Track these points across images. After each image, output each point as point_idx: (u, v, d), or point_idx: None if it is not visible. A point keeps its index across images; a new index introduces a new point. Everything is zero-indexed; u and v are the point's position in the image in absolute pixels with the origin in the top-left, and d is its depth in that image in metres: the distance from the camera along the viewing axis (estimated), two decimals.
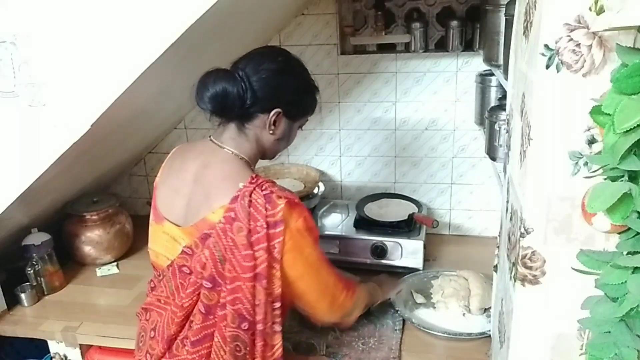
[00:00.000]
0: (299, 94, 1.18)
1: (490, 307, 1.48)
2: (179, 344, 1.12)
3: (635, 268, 0.69)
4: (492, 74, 1.55)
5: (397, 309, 1.49)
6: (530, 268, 0.82)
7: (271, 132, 1.15)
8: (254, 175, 1.08)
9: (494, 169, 1.40)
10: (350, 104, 1.92)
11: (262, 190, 1.05)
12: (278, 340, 1.10)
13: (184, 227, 1.13)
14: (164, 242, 1.17)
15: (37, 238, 1.68)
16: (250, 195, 1.04)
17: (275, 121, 1.14)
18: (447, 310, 1.49)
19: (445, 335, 1.39)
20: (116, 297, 1.69)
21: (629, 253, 0.71)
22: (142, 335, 1.21)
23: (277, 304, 1.08)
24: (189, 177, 1.14)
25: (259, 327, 1.07)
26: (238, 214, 1.04)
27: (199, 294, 1.09)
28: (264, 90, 1.11)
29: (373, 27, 1.84)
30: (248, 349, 1.07)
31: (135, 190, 2.24)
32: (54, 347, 1.58)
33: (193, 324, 1.10)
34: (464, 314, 1.47)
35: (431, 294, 1.56)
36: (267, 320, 1.07)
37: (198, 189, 1.12)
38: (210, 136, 1.18)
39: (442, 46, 1.82)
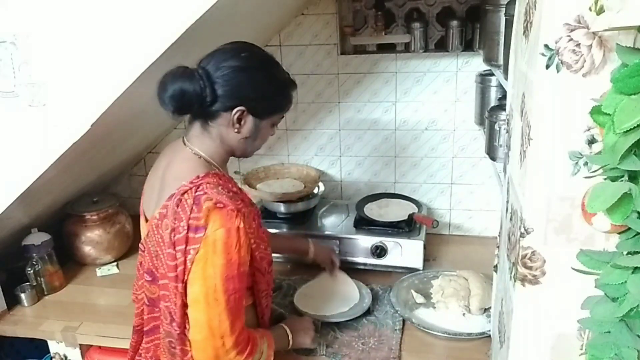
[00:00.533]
0: (265, 91, 1.12)
1: (490, 307, 1.48)
2: (144, 334, 1.16)
3: (635, 268, 0.69)
4: (492, 74, 1.55)
5: (397, 309, 1.49)
6: (530, 268, 0.82)
7: (236, 130, 1.11)
8: (201, 175, 1.06)
9: (494, 169, 1.40)
10: (350, 104, 1.92)
11: (196, 191, 1.03)
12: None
13: (147, 223, 1.15)
14: (143, 233, 1.19)
15: (37, 238, 1.68)
16: (182, 195, 1.03)
17: (239, 119, 1.10)
18: (447, 310, 1.49)
19: (445, 335, 1.39)
20: (116, 297, 1.69)
21: (629, 253, 0.71)
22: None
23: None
24: (159, 175, 1.16)
25: (178, 330, 1.05)
26: (168, 212, 1.03)
27: None
28: (225, 88, 1.06)
29: (373, 27, 1.84)
30: (180, 347, 1.06)
31: (135, 190, 2.24)
32: (54, 347, 1.58)
33: (144, 315, 1.14)
34: (464, 314, 1.47)
35: (431, 294, 1.56)
36: (182, 325, 1.05)
37: (160, 187, 1.13)
38: (184, 135, 1.18)
39: (442, 46, 1.82)
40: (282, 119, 1.21)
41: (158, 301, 1.10)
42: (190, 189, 1.03)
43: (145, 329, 1.14)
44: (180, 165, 1.11)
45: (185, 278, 1.02)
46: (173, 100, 1.04)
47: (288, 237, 1.74)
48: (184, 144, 1.14)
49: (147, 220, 1.16)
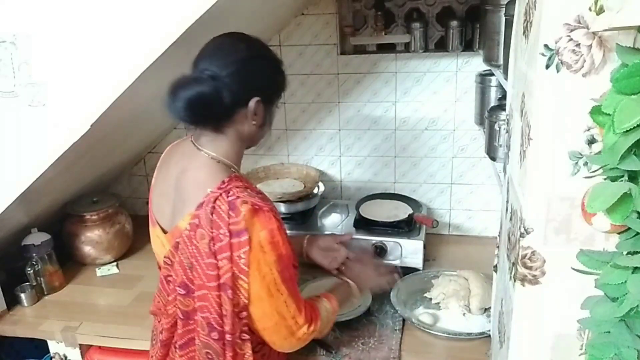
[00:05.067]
0: (271, 75, 1.12)
1: (490, 307, 1.48)
2: (173, 348, 1.13)
3: (635, 268, 0.69)
4: (492, 74, 1.55)
5: (397, 309, 1.49)
6: (530, 268, 0.82)
7: (254, 122, 1.09)
8: (226, 179, 1.04)
9: (494, 169, 1.40)
10: (350, 104, 1.92)
11: (227, 197, 1.00)
12: (248, 349, 1.07)
13: (167, 234, 1.12)
14: (159, 245, 1.16)
15: (37, 238, 1.68)
16: (214, 202, 1.00)
17: (255, 110, 1.08)
18: (447, 310, 1.49)
19: (445, 335, 1.39)
20: (116, 297, 1.69)
21: (629, 253, 0.71)
22: (154, 335, 1.23)
23: (244, 314, 1.05)
24: (171, 183, 1.12)
25: (228, 337, 1.04)
26: (201, 221, 1.00)
27: None
28: (238, 83, 1.04)
29: (373, 27, 1.84)
30: (221, 358, 1.06)
31: (135, 190, 2.24)
32: (54, 347, 1.58)
33: (178, 329, 1.11)
34: (464, 314, 1.47)
35: (429, 296, 1.55)
36: (235, 330, 1.04)
37: (177, 195, 1.10)
38: (192, 136, 1.14)
39: (442, 46, 1.82)
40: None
41: (193, 313, 1.07)
42: (221, 194, 1.01)
43: (179, 343, 1.11)
44: (199, 172, 1.07)
45: (240, 283, 1.01)
46: (191, 110, 1.01)
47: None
48: (198, 148, 1.10)
49: (163, 231, 1.13)
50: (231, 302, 1.02)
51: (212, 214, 1.00)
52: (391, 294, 1.55)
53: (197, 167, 1.08)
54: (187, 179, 1.09)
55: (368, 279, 1.41)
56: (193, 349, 1.10)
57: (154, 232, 1.18)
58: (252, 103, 1.06)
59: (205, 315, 1.04)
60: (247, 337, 1.06)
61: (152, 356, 1.21)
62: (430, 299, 1.55)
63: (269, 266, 1.03)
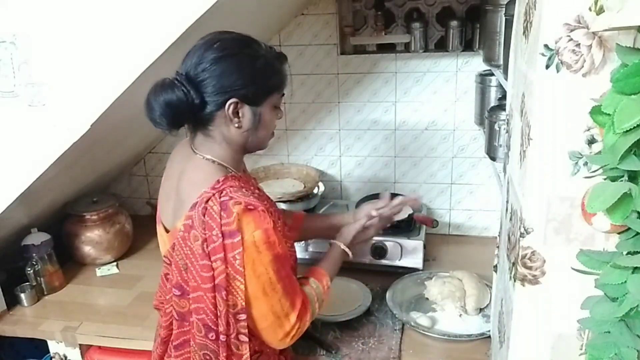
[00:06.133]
0: (251, 74, 1.03)
1: (485, 307, 1.48)
2: (170, 346, 1.13)
3: (635, 268, 0.69)
4: (492, 74, 1.55)
5: (394, 312, 1.49)
6: (530, 268, 0.82)
7: (237, 125, 1.04)
8: (220, 179, 1.02)
9: (494, 169, 1.40)
10: (350, 104, 1.92)
11: (220, 197, 0.99)
12: (245, 351, 1.06)
13: (168, 234, 1.12)
14: (162, 243, 1.17)
15: (37, 238, 1.68)
16: (206, 202, 0.99)
17: (236, 113, 1.03)
18: (443, 311, 1.49)
19: (445, 337, 1.39)
20: (116, 297, 1.69)
21: (628, 253, 0.71)
22: (157, 329, 1.23)
23: (243, 316, 1.03)
24: (173, 183, 1.12)
25: (222, 338, 1.03)
26: (194, 222, 0.99)
27: None
28: (208, 85, 1.00)
29: (373, 27, 1.84)
30: (219, 358, 1.05)
31: (135, 190, 2.24)
32: (53, 347, 1.58)
33: (173, 329, 1.11)
34: (460, 315, 1.47)
35: (425, 296, 1.55)
36: (230, 332, 1.03)
37: (177, 195, 1.10)
38: (189, 137, 1.13)
39: (442, 46, 1.82)
40: (282, 99, 1.12)
41: (188, 315, 1.07)
42: (214, 195, 0.99)
43: (174, 343, 1.11)
44: (195, 172, 1.07)
45: (236, 284, 1.00)
46: (163, 117, 1.00)
47: (322, 216, 1.55)
48: (193, 151, 1.09)
49: (167, 231, 1.13)
50: (225, 303, 1.01)
51: (204, 215, 0.99)
52: (387, 296, 1.54)
53: (194, 168, 1.08)
54: (184, 179, 1.09)
55: (355, 234, 1.31)
56: (188, 350, 1.10)
57: (159, 230, 1.18)
58: (228, 105, 1.02)
59: (202, 317, 1.03)
60: (246, 339, 1.05)
61: (156, 353, 1.21)
62: (427, 298, 1.54)
63: (264, 266, 1.02)
